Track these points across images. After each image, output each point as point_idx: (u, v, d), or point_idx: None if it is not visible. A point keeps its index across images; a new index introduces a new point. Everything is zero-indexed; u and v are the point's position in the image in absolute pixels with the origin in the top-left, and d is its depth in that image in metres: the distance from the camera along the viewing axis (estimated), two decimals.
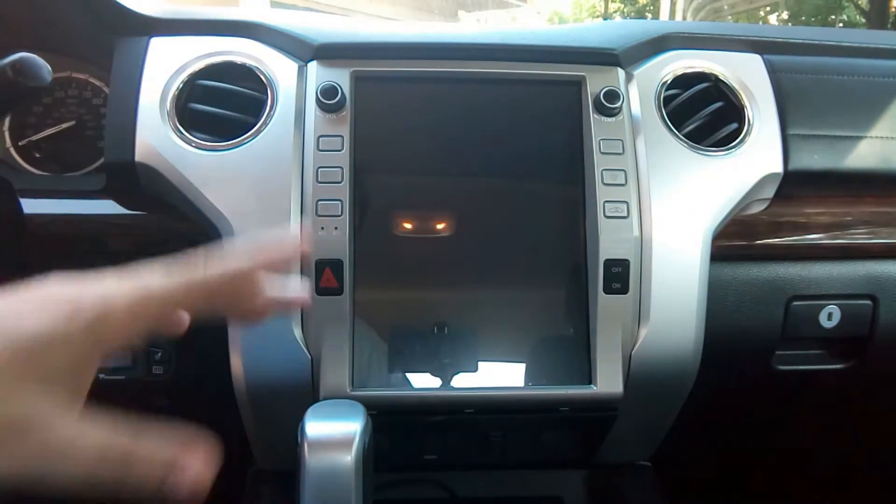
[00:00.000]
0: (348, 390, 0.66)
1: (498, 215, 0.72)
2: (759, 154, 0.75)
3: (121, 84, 0.72)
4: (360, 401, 0.60)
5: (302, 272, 0.67)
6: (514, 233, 0.71)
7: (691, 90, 0.77)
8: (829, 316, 0.82)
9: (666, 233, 0.70)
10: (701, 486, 1.06)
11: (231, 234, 0.67)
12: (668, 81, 0.76)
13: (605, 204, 0.69)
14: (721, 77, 0.78)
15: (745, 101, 0.77)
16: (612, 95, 0.70)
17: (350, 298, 0.67)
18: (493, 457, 0.80)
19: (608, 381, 0.68)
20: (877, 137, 0.78)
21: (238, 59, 0.74)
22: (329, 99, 0.68)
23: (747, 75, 0.78)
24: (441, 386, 0.68)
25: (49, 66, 0.60)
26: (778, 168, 0.75)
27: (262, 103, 0.71)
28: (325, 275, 0.66)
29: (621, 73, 0.74)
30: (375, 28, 0.79)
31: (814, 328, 0.82)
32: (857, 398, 0.96)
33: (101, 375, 0.71)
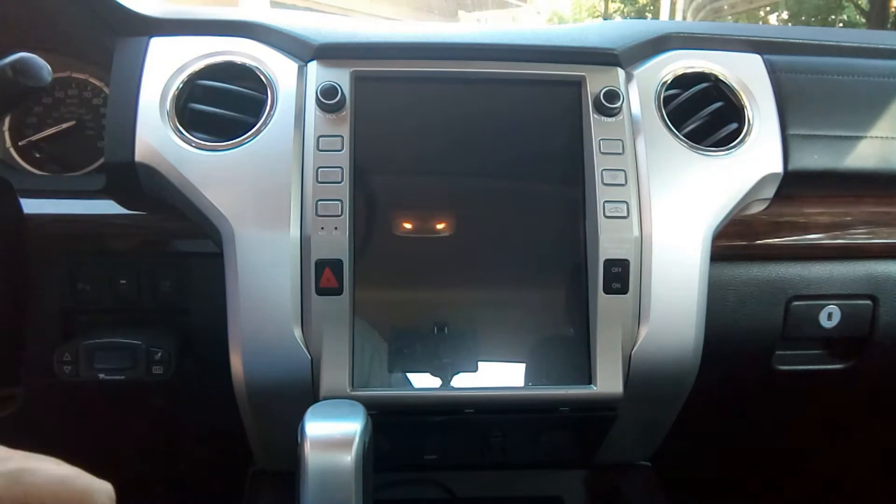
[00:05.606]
0: (348, 390, 0.66)
1: (498, 215, 0.72)
2: (759, 154, 0.75)
3: (121, 84, 0.72)
4: (360, 401, 0.60)
5: (302, 272, 0.67)
6: (514, 233, 0.71)
7: (691, 90, 0.77)
8: (829, 316, 0.82)
9: (666, 233, 0.70)
10: (701, 486, 1.06)
11: (231, 234, 0.67)
12: (668, 81, 0.76)
13: (605, 204, 0.69)
14: (721, 77, 0.78)
15: (745, 101, 0.77)
16: (612, 95, 0.70)
17: (350, 298, 0.67)
18: (493, 457, 0.80)
19: (608, 381, 0.68)
20: (877, 137, 0.78)
21: (238, 59, 0.73)
22: (329, 99, 0.68)
23: (747, 75, 0.78)
24: (441, 386, 0.68)
25: (49, 66, 0.60)
26: (778, 168, 0.75)
27: (262, 103, 0.71)
28: (325, 275, 0.66)
29: (621, 73, 0.74)
30: (375, 28, 0.79)
31: (814, 328, 0.82)
32: (857, 398, 0.96)
33: (101, 375, 0.71)
